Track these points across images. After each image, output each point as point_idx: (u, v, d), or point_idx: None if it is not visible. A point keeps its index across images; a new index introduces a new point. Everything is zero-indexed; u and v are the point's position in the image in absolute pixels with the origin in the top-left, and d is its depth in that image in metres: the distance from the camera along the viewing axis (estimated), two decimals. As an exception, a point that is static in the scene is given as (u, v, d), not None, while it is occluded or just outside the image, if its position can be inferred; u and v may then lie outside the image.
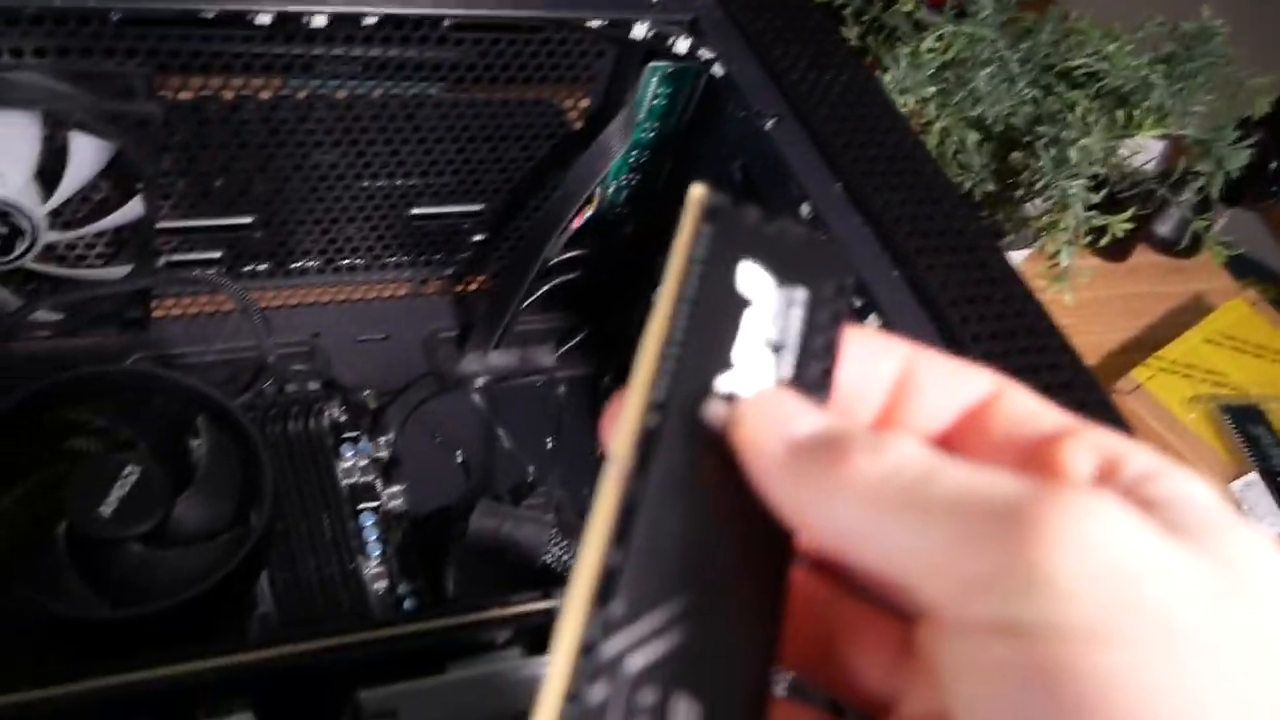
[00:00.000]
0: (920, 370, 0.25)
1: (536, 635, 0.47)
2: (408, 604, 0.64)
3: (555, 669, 0.20)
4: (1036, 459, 0.23)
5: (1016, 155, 0.97)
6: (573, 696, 0.19)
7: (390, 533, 0.67)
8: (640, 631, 0.20)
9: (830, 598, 0.26)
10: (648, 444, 0.22)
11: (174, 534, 0.55)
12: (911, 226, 0.59)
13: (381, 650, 0.44)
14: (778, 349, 0.24)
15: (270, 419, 0.67)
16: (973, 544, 0.20)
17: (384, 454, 0.70)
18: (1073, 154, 0.91)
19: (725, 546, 0.22)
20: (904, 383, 0.25)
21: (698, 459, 0.22)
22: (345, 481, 0.68)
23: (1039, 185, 0.93)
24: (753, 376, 0.23)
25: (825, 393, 0.24)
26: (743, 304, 0.24)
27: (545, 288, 0.78)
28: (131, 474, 0.54)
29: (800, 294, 0.24)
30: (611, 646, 0.20)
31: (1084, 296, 1.00)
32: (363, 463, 0.69)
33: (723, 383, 0.23)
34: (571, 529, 0.63)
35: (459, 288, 0.81)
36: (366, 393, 0.73)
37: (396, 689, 0.44)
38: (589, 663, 0.20)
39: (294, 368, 0.70)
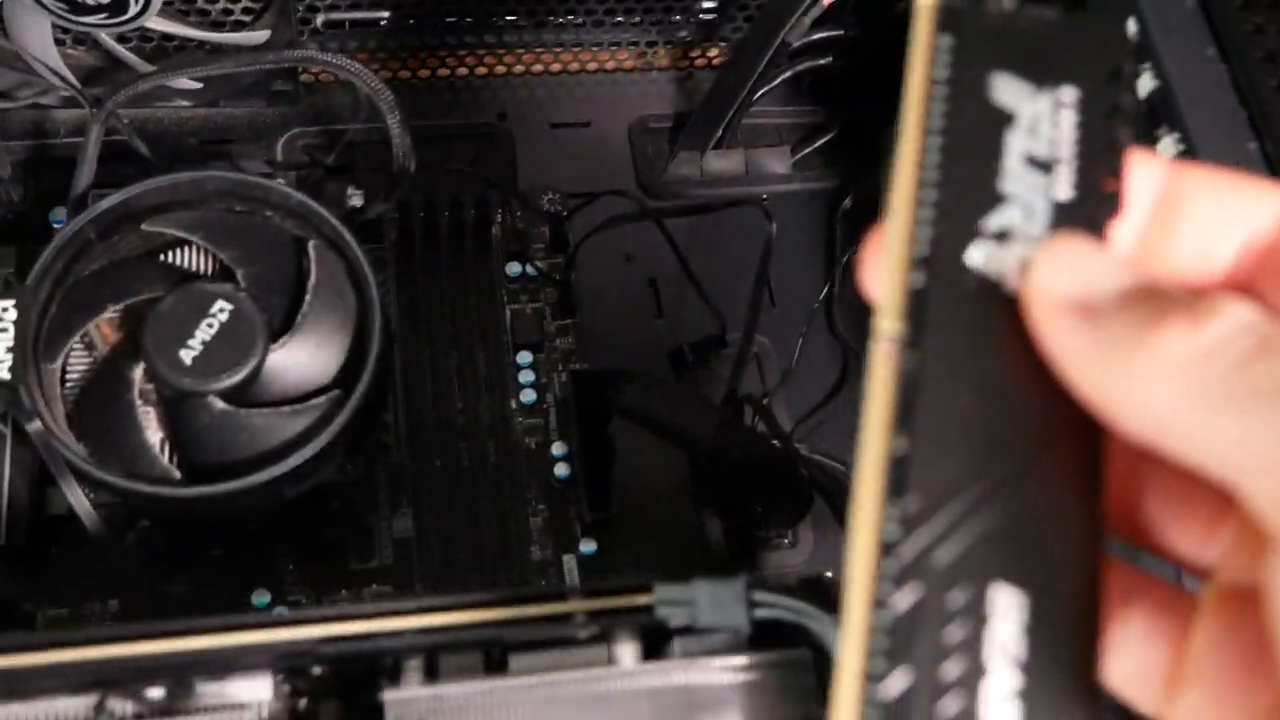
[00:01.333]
0: (1187, 188, 0.21)
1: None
2: (559, 470, 0.54)
3: (855, 576, 0.19)
4: None
5: None
6: (879, 603, 0.19)
7: (555, 377, 0.57)
8: (942, 524, 0.19)
9: (1136, 458, 0.21)
10: (917, 309, 0.20)
11: (271, 390, 0.46)
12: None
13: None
14: (1049, 167, 0.21)
15: (421, 222, 0.57)
16: None
17: (553, 279, 0.58)
18: None
19: (1025, 416, 0.20)
20: (1164, 206, 0.22)
21: (978, 320, 0.20)
22: (509, 308, 0.58)
23: None
24: (1027, 209, 0.21)
25: (1113, 215, 0.21)
26: (1001, 122, 0.21)
27: (785, 74, 0.61)
28: (222, 311, 0.45)
29: (1068, 93, 0.21)
30: (913, 544, 0.19)
31: None
32: (532, 285, 0.58)
33: (993, 223, 0.21)
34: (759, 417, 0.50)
35: (683, 63, 0.66)
36: (550, 196, 0.60)
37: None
38: (891, 565, 0.19)
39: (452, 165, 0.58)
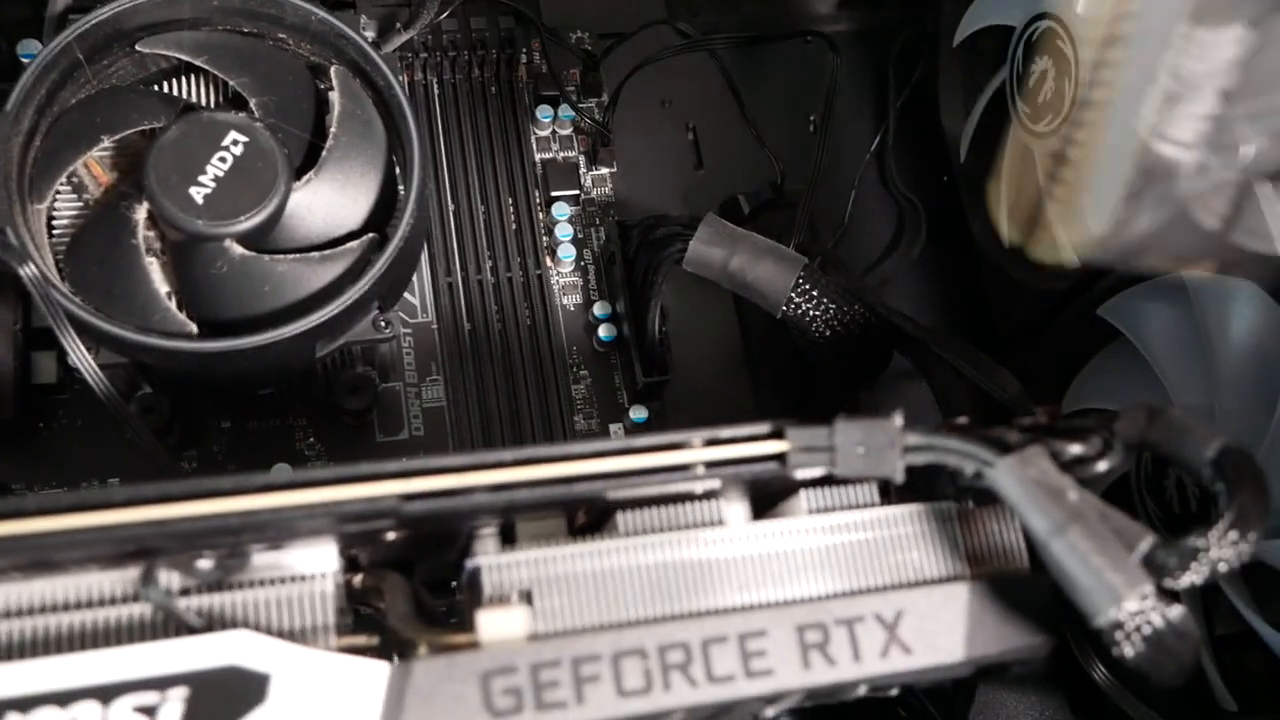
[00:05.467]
0: None
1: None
2: (603, 332, 0.49)
3: None
4: None
5: None
6: None
7: (592, 231, 0.51)
8: None
9: None
10: None
11: (292, 235, 0.40)
12: None
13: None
14: None
15: (440, 65, 0.51)
16: None
17: (593, 122, 0.52)
18: None
19: None
20: None
21: None
22: (539, 156, 0.52)
23: None
24: None
25: None
26: None
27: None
28: (236, 144, 0.39)
29: None
30: None
31: None
32: (564, 132, 0.53)
33: None
34: (829, 272, 0.46)
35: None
36: (579, 34, 0.54)
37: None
38: None
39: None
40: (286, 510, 0.27)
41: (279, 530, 0.28)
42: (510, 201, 0.51)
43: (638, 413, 0.48)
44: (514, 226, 0.51)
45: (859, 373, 0.46)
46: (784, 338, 0.49)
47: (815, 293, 0.43)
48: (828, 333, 0.43)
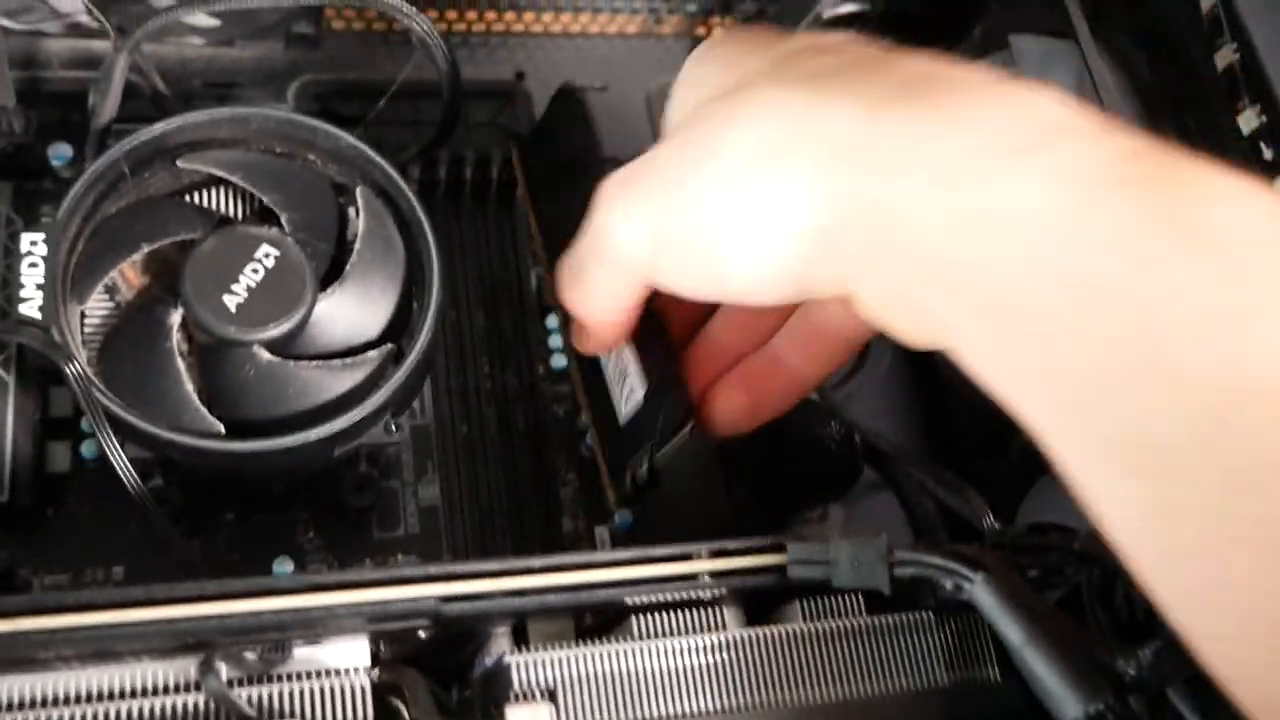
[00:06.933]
0: None
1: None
2: (590, 439, 0.52)
3: None
4: None
5: None
6: None
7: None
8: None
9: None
10: None
11: (315, 343, 0.43)
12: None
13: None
14: None
15: (451, 185, 0.54)
16: None
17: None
18: None
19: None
20: None
21: None
22: (534, 270, 0.56)
23: None
24: None
25: None
26: None
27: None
28: (268, 257, 0.42)
29: None
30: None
31: None
32: (558, 249, 0.56)
33: None
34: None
35: (701, 29, 0.64)
36: (572, 158, 0.58)
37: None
38: None
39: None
40: (339, 608, 0.30)
41: (328, 626, 0.30)
42: (507, 311, 0.54)
43: (624, 517, 0.51)
44: (510, 336, 0.54)
45: (832, 485, 0.49)
46: (757, 444, 0.53)
47: (794, 410, 0.47)
48: (809, 449, 0.47)
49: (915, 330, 0.29)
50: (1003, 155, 0.26)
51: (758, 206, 0.30)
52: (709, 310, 0.42)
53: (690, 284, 0.34)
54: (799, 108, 0.29)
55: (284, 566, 0.47)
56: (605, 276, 0.36)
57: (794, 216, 0.29)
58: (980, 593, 0.31)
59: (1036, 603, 0.31)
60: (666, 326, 0.41)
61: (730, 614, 0.34)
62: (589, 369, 0.48)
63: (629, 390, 0.44)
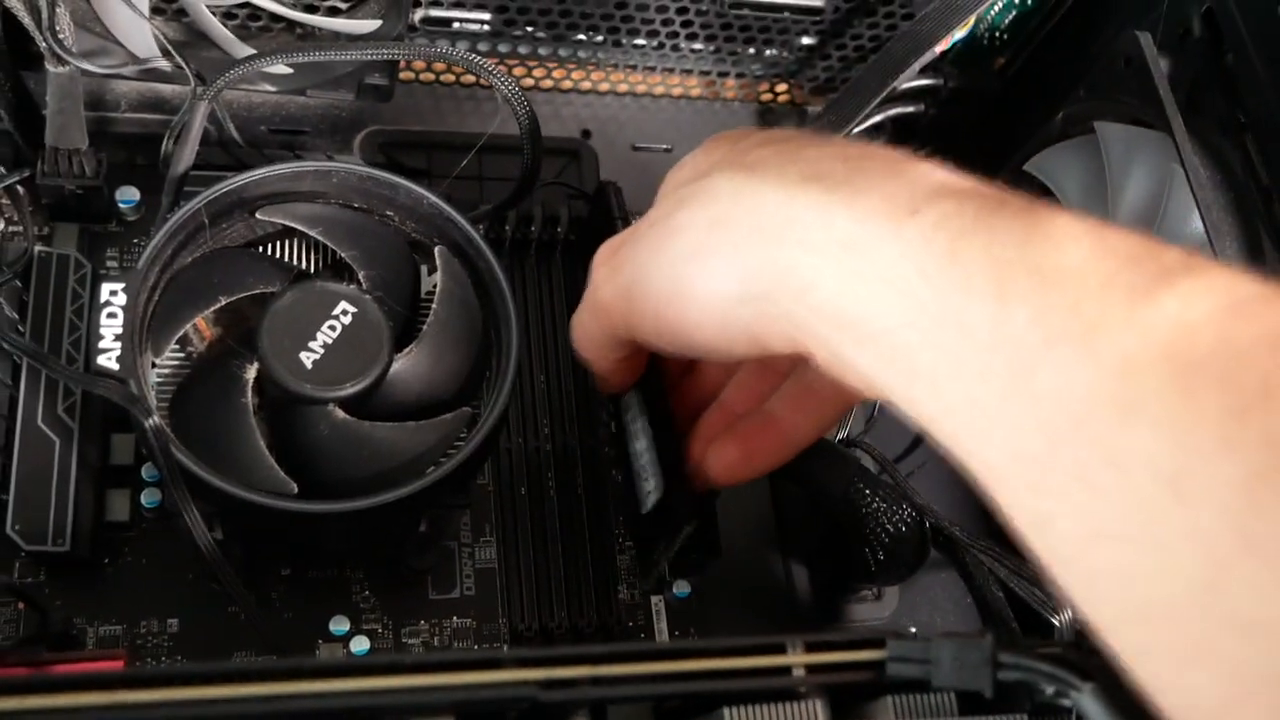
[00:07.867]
0: None
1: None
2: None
3: None
4: None
5: None
6: None
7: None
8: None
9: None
10: None
11: (387, 403, 0.43)
12: None
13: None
14: None
15: (517, 243, 0.54)
16: None
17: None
18: None
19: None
20: None
21: None
22: (597, 332, 0.55)
23: None
24: None
25: None
26: None
27: (877, 118, 0.60)
28: (346, 314, 0.42)
29: None
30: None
31: None
32: (620, 310, 0.56)
33: None
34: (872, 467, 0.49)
35: (766, 95, 0.64)
36: (637, 218, 0.58)
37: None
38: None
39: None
40: (434, 689, 0.29)
41: (420, 710, 0.29)
42: (570, 374, 0.53)
43: (680, 587, 0.51)
44: (571, 399, 0.53)
45: (899, 569, 0.48)
46: (817, 517, 0.52)
47: (868, 493, 0.46)
48: (880, 532, 0.46)
49: (860, 383, 0.32)
50: (889, 219, 0.30)
51: (708, 275, 0.35)
52: (715, 370, 0.45)
53: (659, 340, 0.38)
54: (739, 191, 0.34)
55: (340, 626, 0.47)
56: (595, 328, 0.41)
57: (734, 284, 0.34)
58: (1088, 703, 0.30)
59: (1146, 717, 0.30)
60: (671, 411, 0.44)
61: (820, 707, 0.33)
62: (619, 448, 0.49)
63: (645, 483, 0.45)
